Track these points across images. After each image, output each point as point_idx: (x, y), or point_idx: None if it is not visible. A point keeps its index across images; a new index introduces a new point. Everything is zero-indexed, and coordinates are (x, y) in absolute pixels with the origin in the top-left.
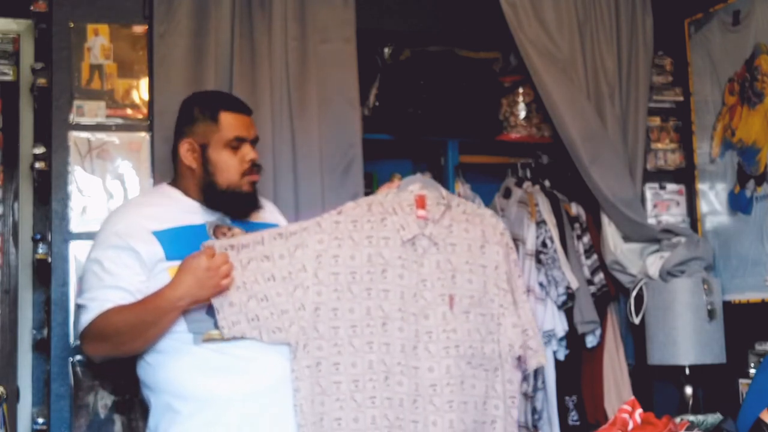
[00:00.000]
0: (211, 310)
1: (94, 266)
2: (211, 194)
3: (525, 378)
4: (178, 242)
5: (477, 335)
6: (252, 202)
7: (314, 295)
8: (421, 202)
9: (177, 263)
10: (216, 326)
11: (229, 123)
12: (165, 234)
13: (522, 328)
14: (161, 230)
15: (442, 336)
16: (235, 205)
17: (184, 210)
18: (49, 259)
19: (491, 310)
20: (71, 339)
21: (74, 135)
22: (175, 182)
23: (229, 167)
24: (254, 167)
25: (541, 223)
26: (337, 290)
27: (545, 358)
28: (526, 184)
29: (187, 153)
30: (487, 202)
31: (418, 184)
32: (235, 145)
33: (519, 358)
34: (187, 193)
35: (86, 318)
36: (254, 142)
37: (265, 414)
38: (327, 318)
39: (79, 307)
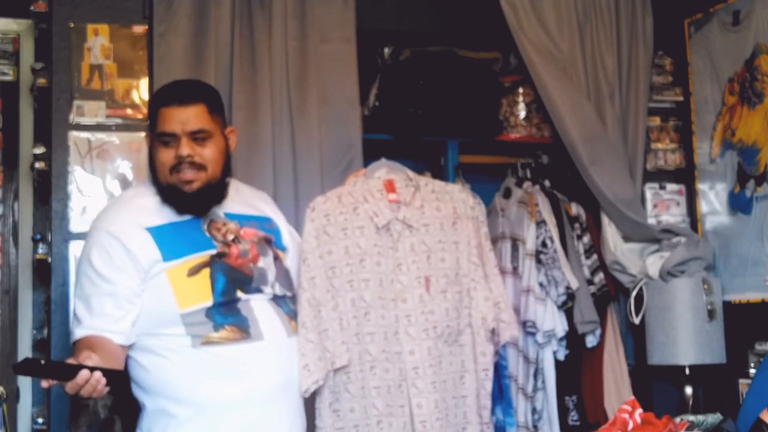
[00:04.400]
0: (209, 313)
1: (88, 269)
2: (158, 190)
3: (496, 353)
4: (173, 240)
5: (454, 313)
6: (196, 204)
7: (305, 303)
8: (390, 187)
9: (175, 263)
10: (214, 329)
11: (162, 118)
12: (159, 230)
13: (494, 302)
14: (155, 226)
15: (420, 318)
16: (176, 204)
17: None
18: (49, 259)
19: (465, 285)
20: (71, 339)
21: (74, 135)
22: None
23: (161, 164)
24: (183, 163)
25: (541, 223)
26: (329, 290)
27: (517, 330)
28: (526, 184)
29: (147, 148)
30: (487, 202)
31: (384, 169)
32: (165, 140)
33: (492, 331)
34: None
35: (76, 333)
36: (197, 135)
37: (263, 420)
38: (329, 318)
39: (75, 308)
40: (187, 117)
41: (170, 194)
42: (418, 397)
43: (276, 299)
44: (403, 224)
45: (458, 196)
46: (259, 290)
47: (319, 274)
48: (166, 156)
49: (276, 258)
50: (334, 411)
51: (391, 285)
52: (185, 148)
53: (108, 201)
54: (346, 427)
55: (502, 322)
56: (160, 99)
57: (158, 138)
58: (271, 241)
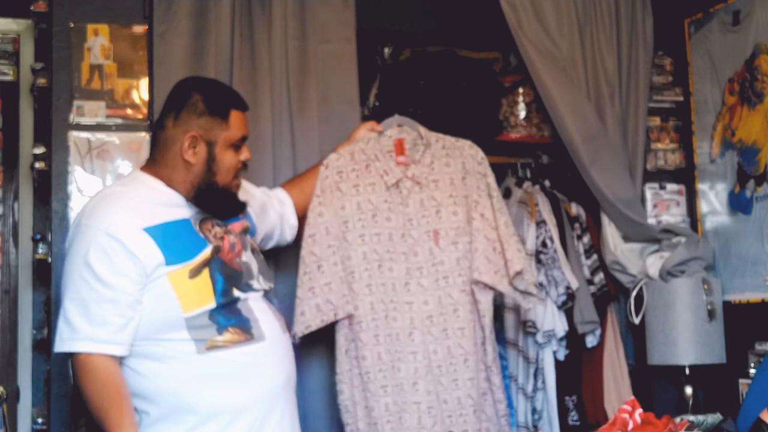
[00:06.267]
0: (213, 315)
1: (84, 272)
2: (207, 193)
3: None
4: (173, 242)
5: (465, 263)
6: (241, 206)
7: (309, 255)
8: (399, 148)
9: (177, 268)
10: (218, 332)
11: (238, 123)
12: (156, 231)
13: (499, 240)
14: (151, 226)
15: (431, 270)
16: (226, 207)
17: (167, 203)
18: (49, 259)
19: (473, 236)
20: (67, 348)
21: (74, 135)
22: (155, 170)
23: (229, 167)
24: (245, 167)
25: (541, 223)
26: (330, 245)
27: (521, 264)
28: (526, 184)
29: (189, 147)
30: None
31: (395, 128)
32: (239, 144)
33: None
34: (169, 184)
35: (76, 345)
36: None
37: (268, 422)
38: (331, 272)
39: (67, 313)
40: (247, 121)
41: (223, 198)
42: (434, 344)
43: (266, 295)
44: (413, 182)
45: (467, 152)
46: (250, 286)
47: (318, 231)
48: (234, 159)
49: (254, 250)
50: (350, 358)
51: (402, 239)
52: (249, 152)
53: (95, 196)
54: (362, 373)
55: (508, 261)
56: (232, 101)
57: (235, 143)
58: (248, 230)
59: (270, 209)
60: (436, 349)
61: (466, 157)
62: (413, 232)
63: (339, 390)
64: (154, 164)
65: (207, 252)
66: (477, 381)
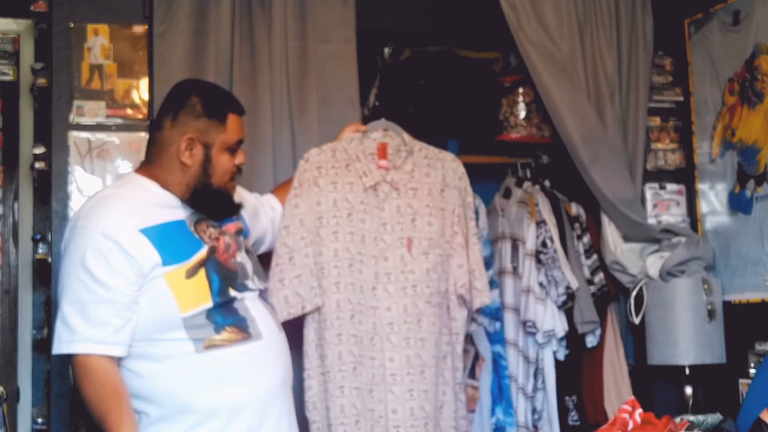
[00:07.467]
0: (210, 315)
1: (81, 273)
2: (202, 194)
3: (473, 320)
4: (169, 243)
5: (434, 275)
6: (236, 207)
7: (282, 247)
8: (382, 152)
9: (173, 268)
10: (216, 331)
11: (235, 126)
12: (152, 232)
13: (469, 269)
14: (148, 227)
15: (400, 277)
16: (221, 208)
17: (163, 204)
18: (49, 259)
19: (447, 250)
20: (66, 349)
21: (74, 135)
22: (151, 171)
23: (225, 170)
24: (239, 171)
25: (541, 223)
26: (303, 237)
27: (489, 297)
28: (526, 184)
29: (185, 149)
30: (487, 202)
31: (380, 132)
32: (235, 148)
33: (461, 297)
34: (165, 185)
35: (75, 347)
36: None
37: (266, 421)
38: (302, 264)
39: (64, 315)
40: (243, 125)
41: (219, 199)
42: (390, 351)
43: (261, 294)
44: (391, 187)
45: (449, 165)
46: (245, 286)
47: (293, 223)
48: (230, 163)
49: (248, 251)
50: (320, 356)
51: (374, 242)
52: (243, 156)
53: (91, 198)
54: (324, 372)
55: (474, 289)
56: (229, 104)
57: (231, 146)
58: (241, 231)
59: (262, 214)
60: (392, 357)
61: (447, 169)
62: (386, 236)
63: (308, 386)
64: (149, 165)
65: (203, 252)
66: (433, 394)
